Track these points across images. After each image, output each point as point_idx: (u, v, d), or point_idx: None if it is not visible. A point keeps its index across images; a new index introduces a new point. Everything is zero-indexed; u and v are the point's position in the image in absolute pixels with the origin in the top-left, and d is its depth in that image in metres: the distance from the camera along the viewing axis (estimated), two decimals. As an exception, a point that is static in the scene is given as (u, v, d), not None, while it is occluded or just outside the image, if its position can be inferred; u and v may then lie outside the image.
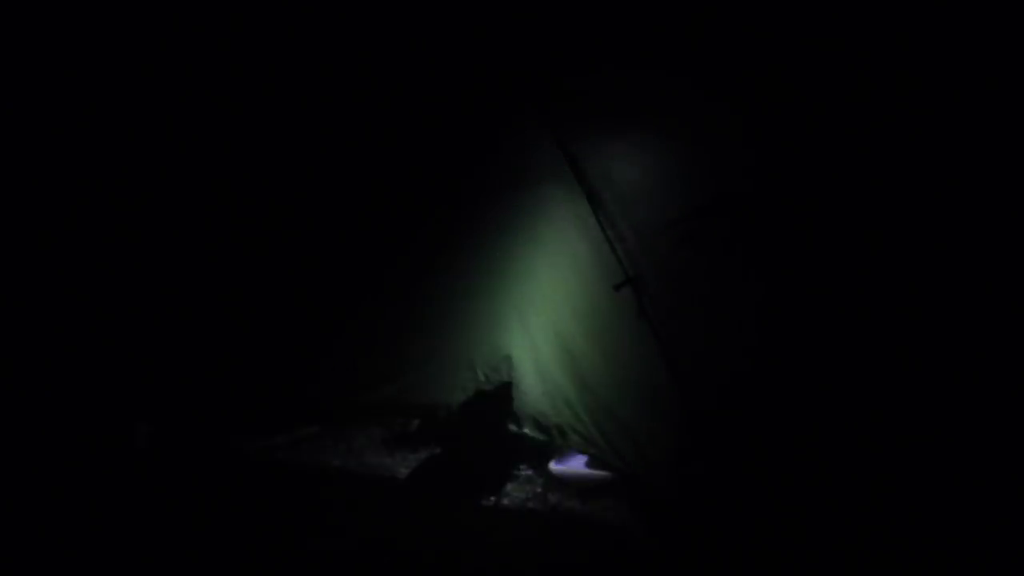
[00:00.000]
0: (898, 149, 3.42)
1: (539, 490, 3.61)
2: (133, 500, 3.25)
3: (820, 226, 3.38)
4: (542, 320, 3.83)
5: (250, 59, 4.31)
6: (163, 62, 4.18)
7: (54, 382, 3.52)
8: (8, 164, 3.84)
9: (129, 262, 3.89)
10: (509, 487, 3.61)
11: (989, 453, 3.04)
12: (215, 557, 3.00)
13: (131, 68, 4.13)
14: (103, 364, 3.57)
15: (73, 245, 3.86)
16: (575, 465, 3.69)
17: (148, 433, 3.46)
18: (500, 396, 3.91)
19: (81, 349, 3.60)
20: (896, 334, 3.23)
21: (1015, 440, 3.04)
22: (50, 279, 3.80)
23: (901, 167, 3.39)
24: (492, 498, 3.50)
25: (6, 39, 3.95)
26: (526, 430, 3.87)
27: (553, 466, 3.70)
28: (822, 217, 3.39)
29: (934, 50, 3.49)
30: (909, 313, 3.25)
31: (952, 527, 2.90)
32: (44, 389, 3.49)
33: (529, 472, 3.76)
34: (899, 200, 3.38)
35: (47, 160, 3.91)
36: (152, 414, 3.50)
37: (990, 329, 3.18)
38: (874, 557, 2.84)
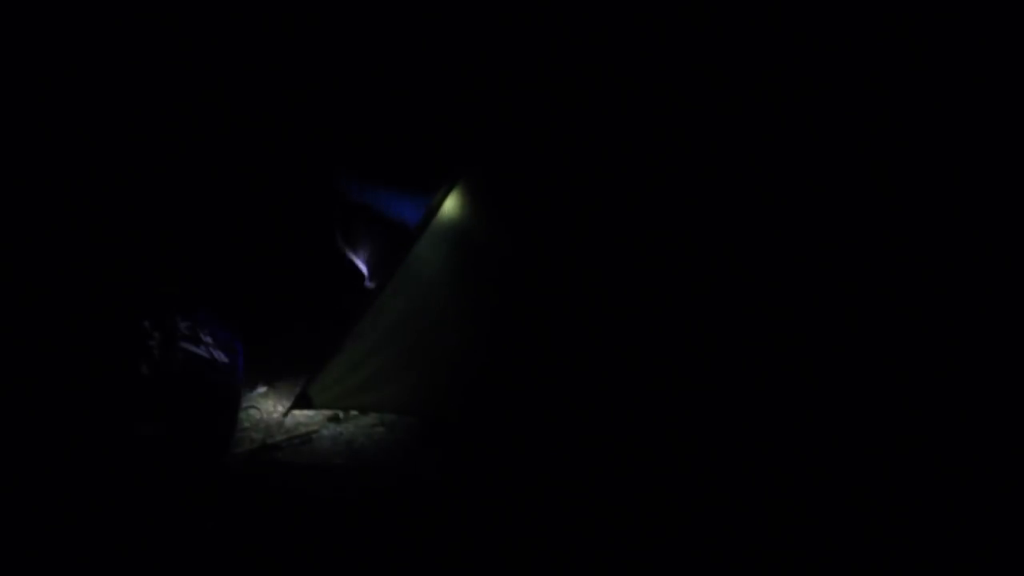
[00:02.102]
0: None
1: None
2: (133, 500, 3.25)
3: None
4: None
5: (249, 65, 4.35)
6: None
7: (54, 381, 3.52)
8: (9, 163, 3.84)
9: (131, 260, 3.90)
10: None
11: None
12: (215, 558, 3.01)
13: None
14: (105, 362, 3.58)
15: (78, 243, 3.87)
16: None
17: (150, 432, 3.46)
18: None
19: (82, 347, 3.60)
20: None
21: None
22: (51, 277, 3.81)
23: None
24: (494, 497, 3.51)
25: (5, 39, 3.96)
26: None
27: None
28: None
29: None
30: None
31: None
32: (44, 387, 3.49)
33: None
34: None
35: (51, 157, 3.91)
36: (154, 413, 3.51)
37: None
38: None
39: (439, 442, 4.06)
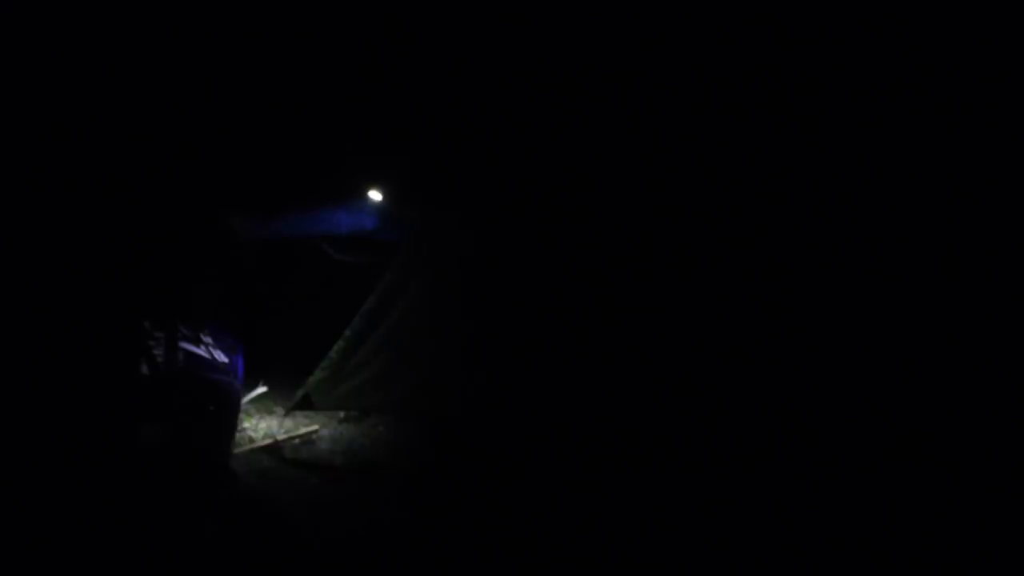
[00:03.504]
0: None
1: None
2: (134, 499, 3.25)
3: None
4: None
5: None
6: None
7: (55, 381, 3.52)
8: (10, 164, 3.83)
9: (132, 261, 3.90)
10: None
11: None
12: (218, 556, 3.01)
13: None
14: (106, 362, 3.58)
15: (79, 244, 3.87)
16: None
17: (151, 431, 3.46)
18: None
19: (83, 348, 3.60)
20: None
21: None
22: (52, 279, 3.80)
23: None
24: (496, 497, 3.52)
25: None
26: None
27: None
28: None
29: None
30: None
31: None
32: (45, 388, 3.49)
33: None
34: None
35: (52, 159, 3.91)
36: (155, 412, 3.51)
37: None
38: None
39: (440, 442, 4.07)
